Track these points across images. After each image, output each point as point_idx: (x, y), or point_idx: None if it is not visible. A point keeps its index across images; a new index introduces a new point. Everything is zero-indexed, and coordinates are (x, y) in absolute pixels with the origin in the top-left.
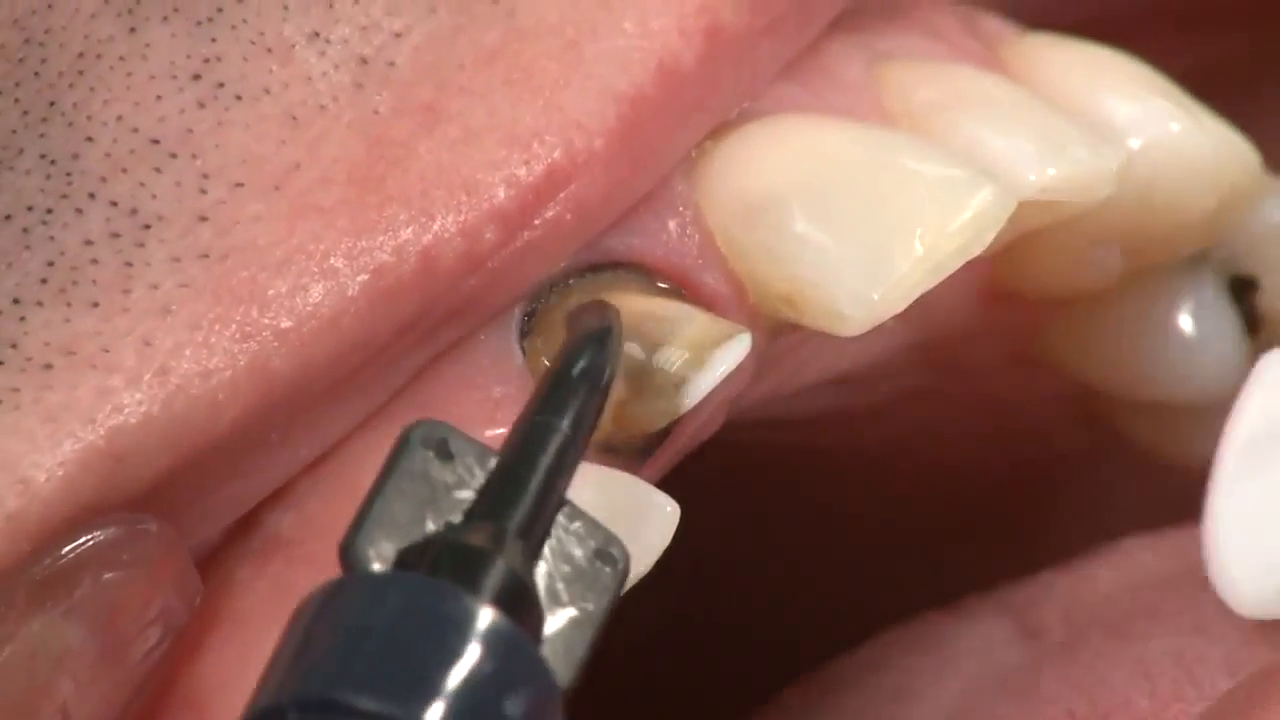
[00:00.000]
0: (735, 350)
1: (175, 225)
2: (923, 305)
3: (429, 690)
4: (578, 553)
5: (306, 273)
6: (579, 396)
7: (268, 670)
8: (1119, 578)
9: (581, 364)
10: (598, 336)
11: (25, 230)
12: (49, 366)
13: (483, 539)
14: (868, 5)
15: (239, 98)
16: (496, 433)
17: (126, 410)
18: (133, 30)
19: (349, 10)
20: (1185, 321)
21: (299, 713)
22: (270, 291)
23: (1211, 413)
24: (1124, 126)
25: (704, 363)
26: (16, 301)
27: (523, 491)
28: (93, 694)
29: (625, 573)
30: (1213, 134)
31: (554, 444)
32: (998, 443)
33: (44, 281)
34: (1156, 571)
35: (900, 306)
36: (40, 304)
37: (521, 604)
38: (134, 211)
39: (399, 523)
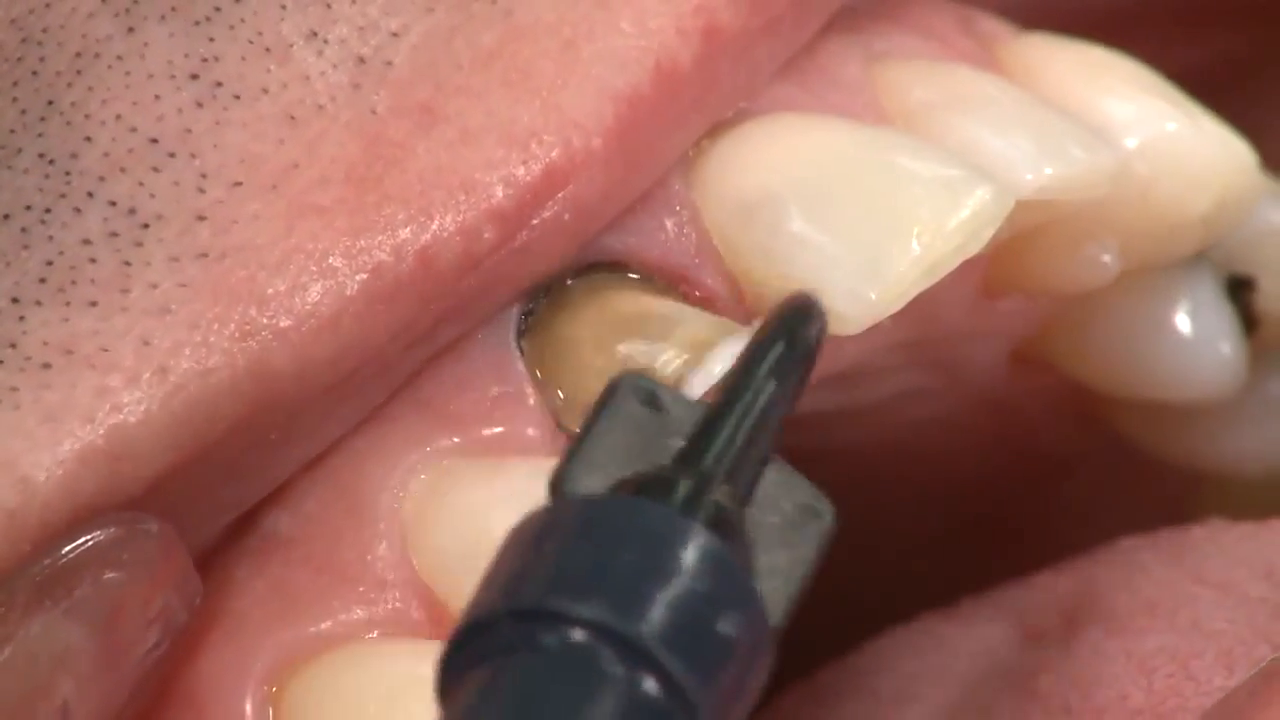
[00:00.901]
0: (732, 349)
1: (174, 224)
2: (919, 304)
3: (644, 602)
4: (785, 505)
5: (305, 272)
6: (787, 354)
7: (480, 587)
8: (1117, 577)
9: (789, 324)
10: (805, 302)
11: (24, 230)
12: (48, 366)
13: (692, 477)
14: (864, 5)
15: (237, 97)
16: (494, 431)
17: (125, 409)
18: (130, 30)
19: (346, 10)
20: (1182, 321)
21: (514, 621)
22: (269, 290)
23: (1209, 413)
24: (1121, 126)
25: (701, 362)
26: (15, 301)
27: (731, 439)
28: (93, 693)
29: (832, 527)
30: (1210, 134)
31: (762, 398)
32: (994, 442)
33: (42, 281)
34: (1154, 570)
35: (897, 305)
36: (39, 303)
37: (731, 538)
38: (132, 211)
39: (607, 463)
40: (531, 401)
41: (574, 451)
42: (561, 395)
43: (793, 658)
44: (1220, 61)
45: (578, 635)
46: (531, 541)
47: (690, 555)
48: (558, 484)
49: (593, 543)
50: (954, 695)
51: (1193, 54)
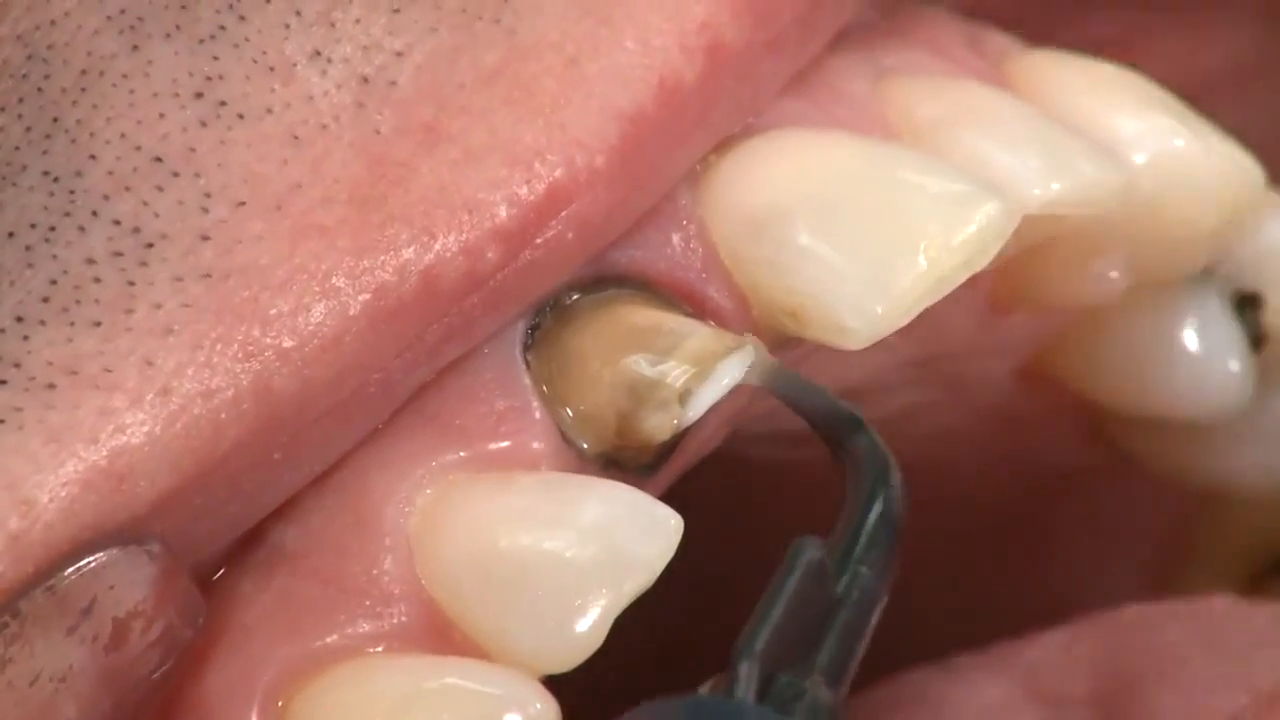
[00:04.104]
0: (739, 363)
1: (178, 244)
2: (926, 319)
3: None
4: None
5: (308, 292)
6: (880, 544)
7: None
8: (1149, 657)
9: (878, 509)
10: (884, 475)
11: (28, 248)
12: (52, 386)
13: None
14: (872, 21)
15: (241, 116)
16: (500, 445)
17: (129, 430)
18: (135, 48)
19: (350, 29)
20: (1189, 337)
21: None
22: (272, 311)
23: (1214, 429)
24: (1128, 142)
25: (708, 375)
26: (20, 320)
27: (853, 656)
28: (95, 715)
29: None
30: (1217, 150)
31: (877, 603)
32: (1000, 457)
33: (46, 300)
34: (1194, 662)
35: (904, 320)
36: (43, 323)
37: None
38: (136, 230)
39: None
40: (538, 415)
41: (757, 624)
42: (568, 409)
43: None
44: (1227, 72)
45: None
46: None
47: None
48: (738, 653)
49: None
50: None
51: (1201, 64)
